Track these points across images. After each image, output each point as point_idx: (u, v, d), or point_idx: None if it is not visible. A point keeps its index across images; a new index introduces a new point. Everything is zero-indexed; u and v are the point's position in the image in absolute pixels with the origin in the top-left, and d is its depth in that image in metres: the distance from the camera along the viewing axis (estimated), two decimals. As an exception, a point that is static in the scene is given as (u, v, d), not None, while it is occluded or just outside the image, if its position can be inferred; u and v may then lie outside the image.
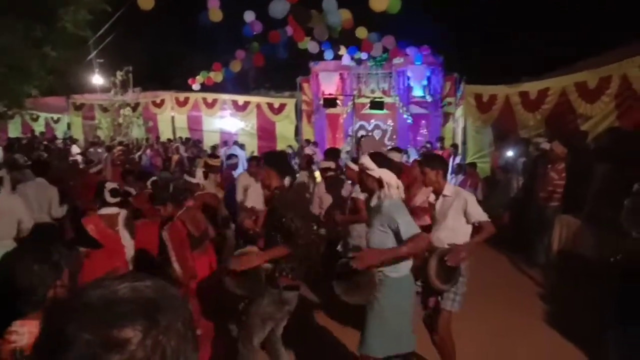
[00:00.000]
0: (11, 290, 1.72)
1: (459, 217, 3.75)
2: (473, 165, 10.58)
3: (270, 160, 3.62)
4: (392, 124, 15.10)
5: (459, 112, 13.54)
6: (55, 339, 0.68)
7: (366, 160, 3.21)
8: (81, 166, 9.35)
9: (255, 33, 10.96)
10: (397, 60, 14.06)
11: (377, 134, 15.21)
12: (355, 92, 14.41)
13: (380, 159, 3.23)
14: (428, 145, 12.85)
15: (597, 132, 8.44)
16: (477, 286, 6.54)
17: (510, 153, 10.18)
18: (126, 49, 17.04)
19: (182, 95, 16.86)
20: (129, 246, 4.12)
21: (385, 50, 12.71)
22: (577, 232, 7.01)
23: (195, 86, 15.35)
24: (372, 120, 15.21)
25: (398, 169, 6.60)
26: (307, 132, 15.63)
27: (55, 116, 18.37)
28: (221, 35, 15.19)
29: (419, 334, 4.48)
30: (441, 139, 13.26)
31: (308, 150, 13.38)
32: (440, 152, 12.38)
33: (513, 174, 9.29)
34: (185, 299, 0.77)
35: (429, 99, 14.37)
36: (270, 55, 12.87)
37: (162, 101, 17.16)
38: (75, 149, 13.79)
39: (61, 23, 8.97)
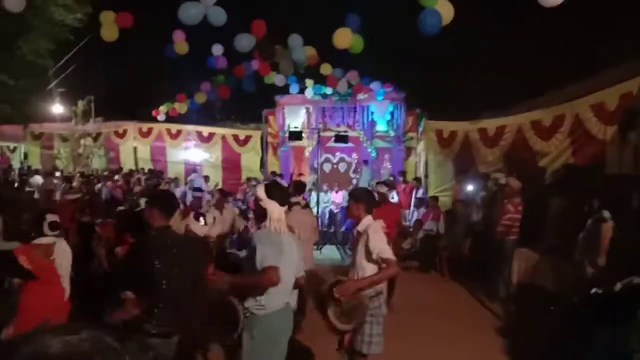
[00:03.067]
0: None
1: (362, 254, 3.75)
2: (435, 198, 10.78)
3: (153, 200, 3.59)
4: (356, 157, 15.28)
5: (420, 146, 13.85)
6: None
7: (259, 190, 3.27)
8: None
9: (219, 68, 11.01)
10: (361, 96, 14.36)
11: (342, 167, 15.37)
12: (320, 126, 14.58)
13: (273, 190, 3.26)
14: (391, 179, 13.04)
15: (554, 167, 8.76)
16: (437, 318, 6.60)
17: (470, 187, 10.44)
18: (89, 78, 16.79)
19: (145, 126, 16.67)
20: (65, 275, 4.01)
21: (349, 85, 12.98)
22: (535, 265, 7.18)
23: (160, 117, 15.21)
24: (337, 153, 15.35)
25: (381, 202, 6.69)
26: (273, 164, 15.63)
27: (12, 145, 17.78)
28: (186, 66, 15.18)
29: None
30: (404, 173, 13.48)
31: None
32: (403, 186, 12.59)
33: (473, 208, 9.50)
34: (123, 347, 0.74)
35: (392, 133, 14.65)
36: (236, 87, 12.92)
37: (125, 131, 16.90)
38: (37, 179, 13.32)
39: (20, 51, 8.81)
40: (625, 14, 12.44)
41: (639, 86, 7.07)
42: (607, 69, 8.63)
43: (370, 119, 14.70)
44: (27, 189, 11.13)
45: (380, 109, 14.50)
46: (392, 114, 14.53)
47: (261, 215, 3.21)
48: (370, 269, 3.69)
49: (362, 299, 3.55)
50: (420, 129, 13.83)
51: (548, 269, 6.86)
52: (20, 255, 3.83)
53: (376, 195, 6.61)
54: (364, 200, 3.86)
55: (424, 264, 9.47)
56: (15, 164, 16.90)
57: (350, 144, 14.33)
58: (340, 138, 13.31)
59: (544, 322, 5.91)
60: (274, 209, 3.14)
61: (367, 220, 3.81)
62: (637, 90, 7.10)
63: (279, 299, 3.12)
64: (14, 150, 17.89)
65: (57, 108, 17.49)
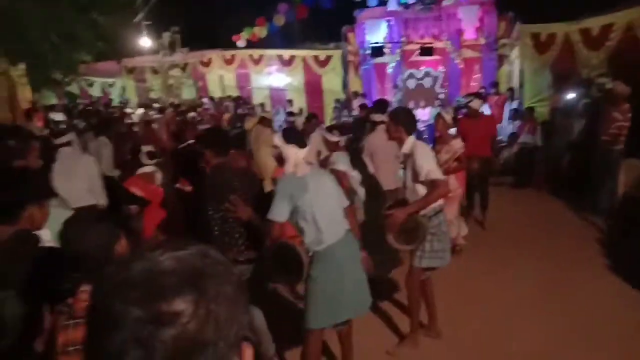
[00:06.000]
0: (76, 251, 1.78)
1: (411, 176, 3.68)
2: (531, 109, 10.10)
3: (203, 141, 3.69)
4: (443, 70, 14.52)
5: (514, 53, 12.80)
6: (103, 316, 0.66)
7: (276, 137, 3.23)
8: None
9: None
10: (447, 2, 13.34)
11: (427, 82, 14.73)
12: (403, 39, 13.89)
13: (290, 134, 3.23)
14: (482, 91, 12.34)
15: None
16: (535, 234, 6.39)
17: (570, 95, 9.62)
18: (171, 9, 17.06)
19: (228, 53, 16.80)
20: None
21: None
22: (644, 176, 6.60)
23: (240, 43, 15.23)
24: (422, 68, 14.67)
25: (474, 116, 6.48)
26: (355, 84, 15.30)
27: (110, 80, 18.83)
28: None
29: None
30: (496, 84, 12.67)
31: (357, 102, 13.21)
32: (495, 98, 11.89)
33: (574, 117, 8.80)
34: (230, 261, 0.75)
35: (482, 41, 13.63)
36: (313, 5, 12.53)
37: (210, 60, 17.20)
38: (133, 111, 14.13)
39: (106, -13, 9.09)
40: None
41: None
42: None
43: (457, 28, 13.72)
44: (127, 121, 11.86)
45: (469, 15, 13.43)
46: (481, 20, 13.44)
47: (281, 162, 3.22)
48: (421, 190, 3.65)
49: (419, 220, 3.54)
50: (514, 34, 12.72)
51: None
52: (132, 186, 4.22)
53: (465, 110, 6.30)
54: (402, 121, 3.75)
55: (519, 179, 9.08)
56: (115, 98, 18.02)
57: (436, 57, 13.60)
58: (425, 51, 12.67)
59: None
60: (291, 153, 3.11)
61: (410, 141, 3.72)
62: None
63: (332, 233, 3.13)
64: (112, 85, 18.99)
65: (145, 41, 18.10)
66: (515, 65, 12.63)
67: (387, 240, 3.64)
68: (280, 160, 3.21)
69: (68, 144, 4.47)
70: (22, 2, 7.48)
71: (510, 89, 12.06)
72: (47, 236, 2.24)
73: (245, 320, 0.73)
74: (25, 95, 9.55)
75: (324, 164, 5.40)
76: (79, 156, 4.67)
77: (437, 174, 3.55)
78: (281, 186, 3.10)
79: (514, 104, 11.37)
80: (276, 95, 16.62)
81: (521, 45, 11.65)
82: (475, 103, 6.70)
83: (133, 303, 0.64)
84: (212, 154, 3.49)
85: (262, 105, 14.95)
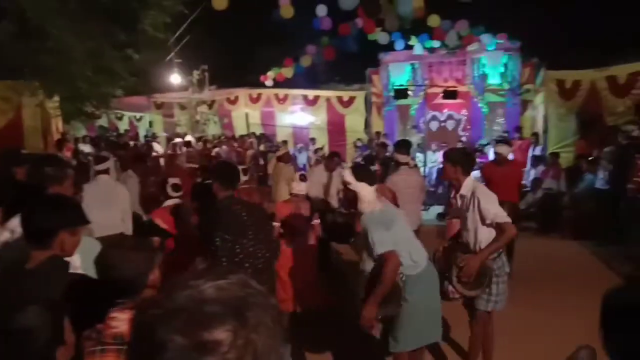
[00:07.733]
0: (111, 278, 1.81)
1: (475, 218, 3.56)
2: (555, 155, 10.04)
3: (212, 173, 3.82)
4: (466, 113, 14.59)
5: (538, 99, 12.84)
6: (147, 342, 0.67)
7: (346, 174, 3.23)
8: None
9: (324, 29, 10.98)
10: (472, 47, 13.53)
11: (450, 125, 14.79)
12: (427, 82, 14.06)
13: (360, 172, 3.25)
14: (505, 135, 12.32)
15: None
16: (560, 283, 6.22)
17: (596, 141, 9.55)
18: (201, 48, 17.64)
19: (255, 92, 17.20)
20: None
21: (459, 37, 12.27)
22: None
23: (268, 82, 15.61)
24: (445, 111, 14.77)
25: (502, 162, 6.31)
26: (377, 125, 15.44)
27: (138, 115, 19.32)
28: (292, 30, 15.35)
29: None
30: (519, 129, 12.66)
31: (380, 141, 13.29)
32: (519, 142, 11.85)
33: (599, 164, 8.70)
34: (269, 293, 0.76)
35: (506, 86, 13.74)
36: (340, 48, 12.83)
37: (236, 98, 17.60)
38: (157, 147, 14.46)
39: (142, 26, 9.44)
40: None
41: None
42: None
43: (481, 72, 13.86)
44: (153, 154, 12.13)
45: (493, 60, 13.59)
46: (505, 65, 13.58)
47: (352, 198, 3.20)
48: (487, 232, 3.57)
49: (487, 264, 3.50)
50: (539, 80, 12.79)
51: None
52: (156, 217, 4.33)
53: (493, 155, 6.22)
54: (460, 162, 3.66)
55: (543, 225, 8.93)
56: (142, 132, 18.44)
57: (459, 100, 13.69)
58: (449, 94, 12.76)
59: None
60: (366, 190, 3.12)
61: (469, 182, 3.64)
62: None
63: (423, 257, 3.25)
64: (140, 119, 19.49)
65: (175, 78, 18.64)
66: (540, 110, 12.64)
67: (455, 288, 3.54)
68: (351, 198, 3.19)
69: (107, 171, 4.61)
70: (70, 38, 7.84)
71: (535, 134, 12.03)
72: (77, 262, 2.29)
73: (285, 352, 0.73)
74: (56, 126, 9.88)
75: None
76: (115, 185, 4.82)
77: (504, 217, 3.46)
78: (377, 219, 3.08)
79: (537, 150, 11.31)
80: (299, 133, 16.84)
81: (546, 91, 11.70)
82: (503, 149, 6.39)
83: (177, 330, 0.65)
84: (219, 187, 3.53)
85: (285, 142, 15.13)
